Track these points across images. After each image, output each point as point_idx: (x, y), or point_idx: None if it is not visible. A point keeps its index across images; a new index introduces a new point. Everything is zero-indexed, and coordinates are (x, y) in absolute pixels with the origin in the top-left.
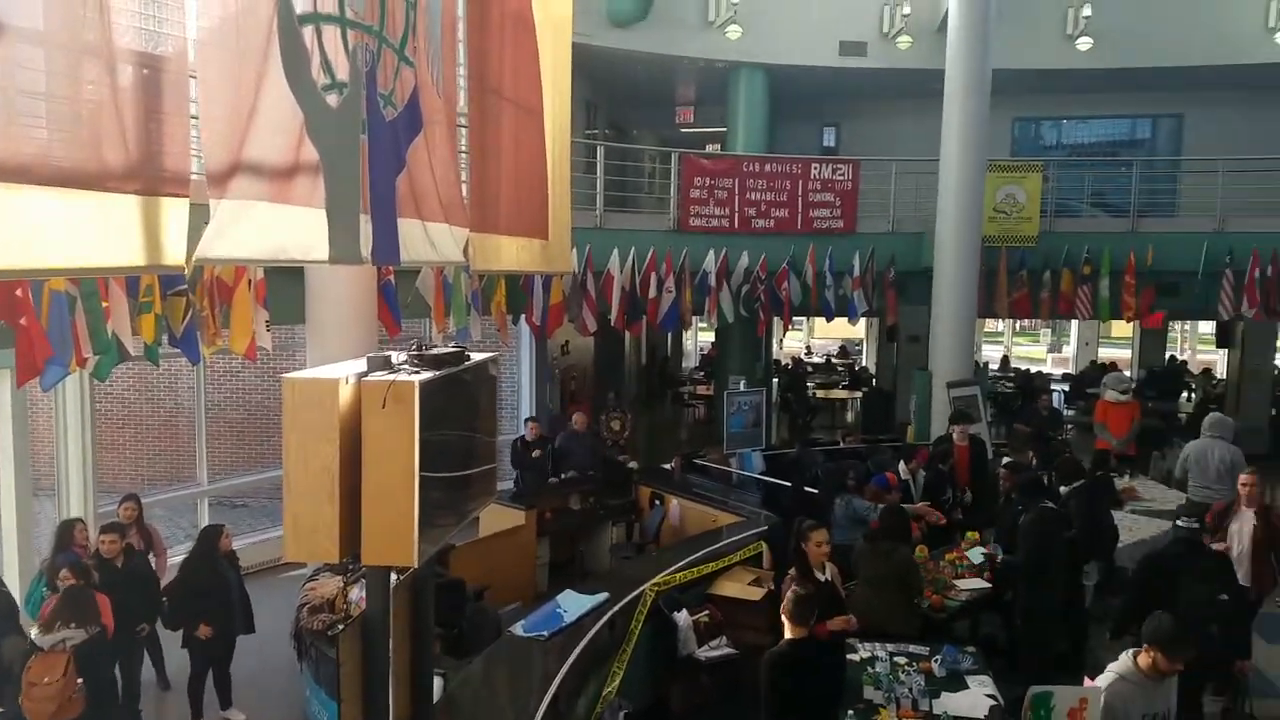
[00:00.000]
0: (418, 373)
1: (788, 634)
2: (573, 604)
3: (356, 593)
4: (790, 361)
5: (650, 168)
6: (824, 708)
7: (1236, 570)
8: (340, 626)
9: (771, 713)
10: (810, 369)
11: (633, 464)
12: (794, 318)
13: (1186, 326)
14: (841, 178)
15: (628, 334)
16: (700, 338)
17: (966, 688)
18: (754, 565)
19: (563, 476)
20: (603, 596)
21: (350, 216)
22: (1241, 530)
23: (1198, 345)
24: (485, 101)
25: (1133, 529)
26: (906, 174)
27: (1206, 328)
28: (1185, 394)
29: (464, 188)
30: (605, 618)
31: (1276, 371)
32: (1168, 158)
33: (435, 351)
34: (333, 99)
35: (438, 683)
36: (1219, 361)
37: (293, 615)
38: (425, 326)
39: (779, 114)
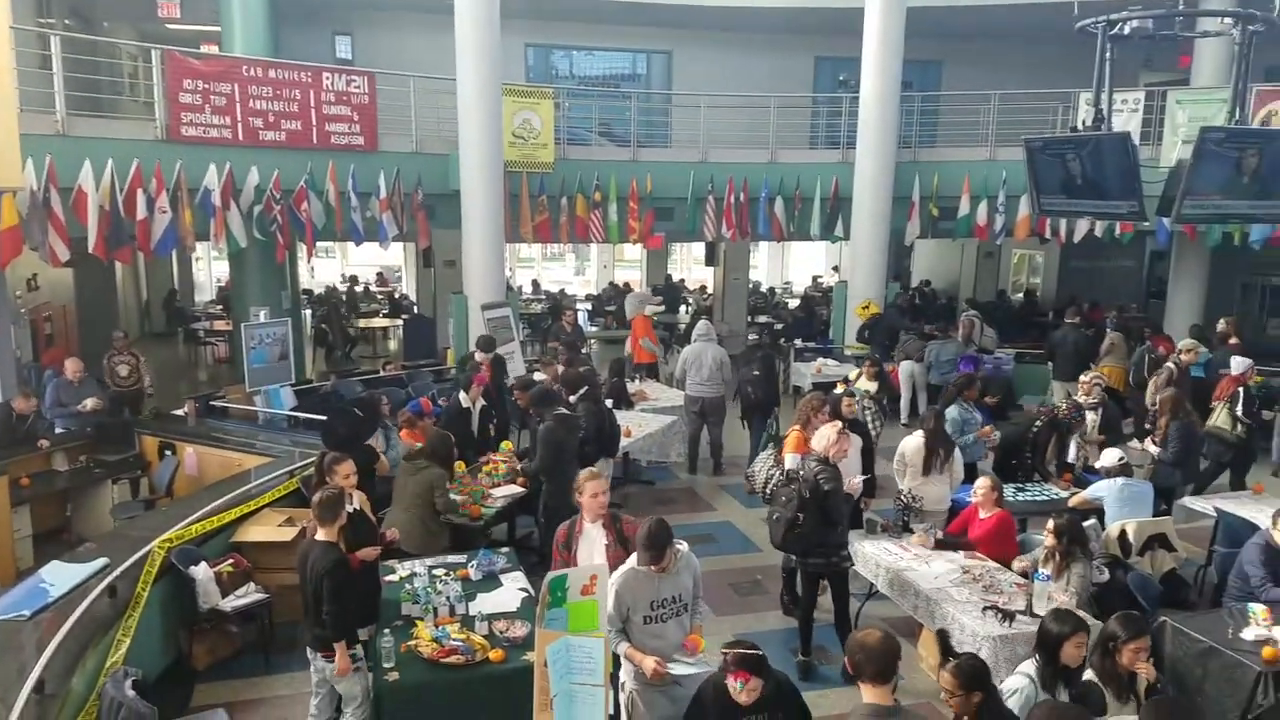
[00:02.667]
0: None
1: (319, 536)
2: (61, 576)
3: None
4: (325, 290)
5: (132, 66)
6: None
7: None
8: None
9: (305, 603)
10: (346, 296)
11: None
12: (319, 242)
13: (685, 248)
14: (358, 90)
15: (118, 264)
16: (216, 267)
17: (501, 586)
18: (286, 505)
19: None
20: (100, 563)
21: None
22: (593, 553)
23: (693, 264)
24: None
25: (643, 425)
26: (427, 93)
27: (699, 248)
28: (683, 307)
29: None
30: (103, 585)
31: (750, 285)
32: (661, 91)
33: None
34: None
35: None
36: (710, 277)
37: None
38: None
39: (284, 17)
